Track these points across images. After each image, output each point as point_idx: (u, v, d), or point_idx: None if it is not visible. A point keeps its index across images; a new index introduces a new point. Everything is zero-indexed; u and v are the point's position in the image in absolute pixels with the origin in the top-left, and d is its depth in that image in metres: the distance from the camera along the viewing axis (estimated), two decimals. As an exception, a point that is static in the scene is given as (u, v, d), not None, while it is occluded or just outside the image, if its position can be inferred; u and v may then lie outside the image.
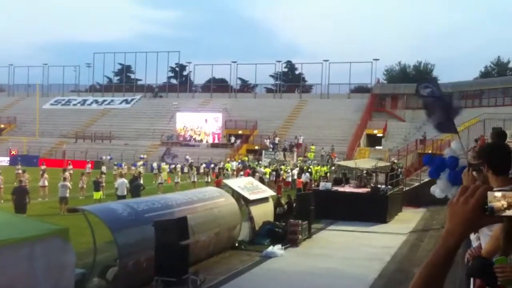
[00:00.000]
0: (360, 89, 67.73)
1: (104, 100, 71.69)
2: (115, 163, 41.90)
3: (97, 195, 24.78)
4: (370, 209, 22.24)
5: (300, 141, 52.65)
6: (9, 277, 8.49)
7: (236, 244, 16.33)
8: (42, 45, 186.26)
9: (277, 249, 15.67)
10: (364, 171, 28.00)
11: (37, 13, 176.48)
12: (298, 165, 42.50)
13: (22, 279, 8.96)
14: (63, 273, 9.84)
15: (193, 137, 58.78)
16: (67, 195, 23.34)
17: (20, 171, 29.56)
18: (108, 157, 49.76)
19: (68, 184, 23.69)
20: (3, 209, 13.64)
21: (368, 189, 24.40)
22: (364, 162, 32.12)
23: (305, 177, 33.43)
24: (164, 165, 41.97)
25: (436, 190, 8.38)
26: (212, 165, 42.50)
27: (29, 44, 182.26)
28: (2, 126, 68.07)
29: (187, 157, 49.74)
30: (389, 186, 24.33)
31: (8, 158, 53.52)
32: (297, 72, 77.55)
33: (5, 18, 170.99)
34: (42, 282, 9.43)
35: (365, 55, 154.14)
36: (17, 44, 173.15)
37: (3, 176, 26.67)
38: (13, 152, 55.81)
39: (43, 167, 35.61)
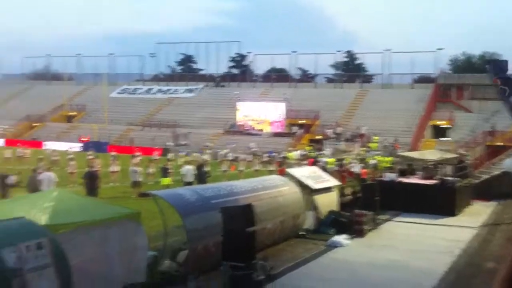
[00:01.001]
0: (423, 79, 65.66)
1: (169, 89, 73.19)
2: (179, 150, 42.75)
3: (165, 181, 25.24)
4: (438, 201, 21.56)
5: (363, 131, 51.84)
6: (84, 258, 8.81)
7: (301, 233, 16.30)
8: (107, 35, 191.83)
9: (342, 238, 15.54)
10: (431, 163, 27.18)
11: (104, 5, 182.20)
12: (360, 156, 41.89)
13: (96, 260, 9.29)
14: (135, 255, 10.14)
15: (253, 126, 58.91)
16: (140, 179, 24.09)
17: (91, 157, 30.69)
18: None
19: (139, 169, 24.42)
20: (77, 193, 14.20)
21: (435, 181, 23.69)
22: (430, 153, 31.19)
23: (357, 168, 32.71)
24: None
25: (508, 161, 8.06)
26: (275, 154, 42.50)
27: (95, 35, 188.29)
28: (73, 113, 70.85)
29: (252, 144, 50.08)
30: (457, 178, 23.53)
31: (81, 144, 55.66)
32: (357, 62, 76.22)
33: (74, 11, 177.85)
34: (116, 263, 9.76)
35: (428, 44, 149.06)
36: (85, 35, 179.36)
37: (76, 162, 27.77)
38: (83, 139, 58.00)
39: (113, 153, 36.85)
